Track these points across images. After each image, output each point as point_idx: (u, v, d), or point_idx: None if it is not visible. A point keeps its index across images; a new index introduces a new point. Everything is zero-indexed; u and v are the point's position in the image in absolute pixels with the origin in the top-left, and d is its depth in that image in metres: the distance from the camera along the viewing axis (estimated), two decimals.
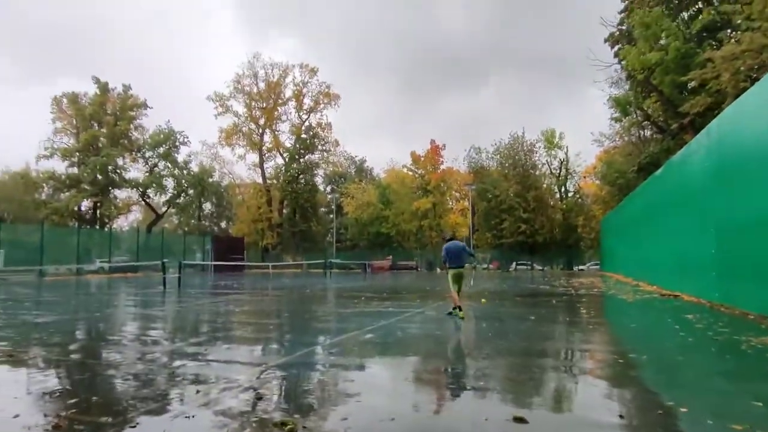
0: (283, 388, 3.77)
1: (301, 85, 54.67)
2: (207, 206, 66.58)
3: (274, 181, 55.62)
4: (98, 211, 47.38)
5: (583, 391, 3.72)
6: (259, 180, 55.76)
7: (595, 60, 26.07)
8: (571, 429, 2.84)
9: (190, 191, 54.27)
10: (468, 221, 48.08)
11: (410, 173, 53.47)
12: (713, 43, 18.68)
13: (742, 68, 13.95)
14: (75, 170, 46.00)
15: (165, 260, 19.49)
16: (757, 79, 10.78)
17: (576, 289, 16.02)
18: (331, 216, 55.54)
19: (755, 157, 7.95)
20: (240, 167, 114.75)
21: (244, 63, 53.40)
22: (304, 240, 54.89)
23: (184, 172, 52.14)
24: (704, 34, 19.89)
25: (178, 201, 54.12)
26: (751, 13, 14.69)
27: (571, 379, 4.07)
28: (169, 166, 50.98)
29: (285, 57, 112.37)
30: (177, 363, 4.64)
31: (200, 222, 62.19)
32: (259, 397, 3.37)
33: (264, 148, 55.52)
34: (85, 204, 47.10)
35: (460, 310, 7.93)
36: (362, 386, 3.74)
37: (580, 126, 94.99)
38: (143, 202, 52.76)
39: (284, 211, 55.94)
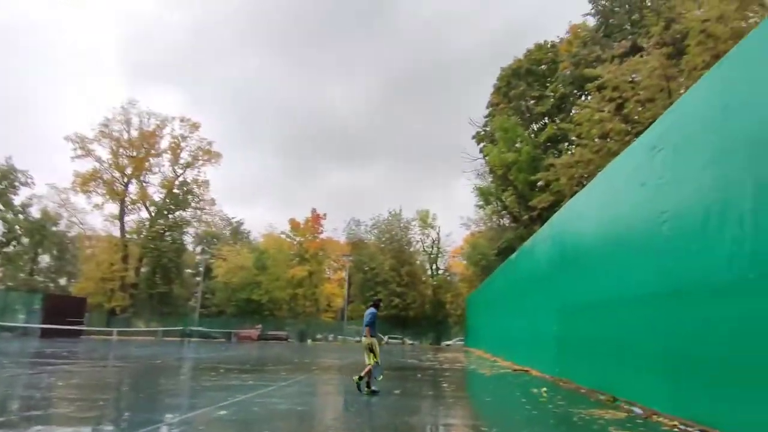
0: None
1: (179, 138, 51.88)
2: (45, 258, 57.00)
3: (135, 237, 50.17)
4: None
5: None
6: (117, 233, 49.85)
7: (463, 153, 29.82)
8: None
9: (24, 239, 46.18)
10: (344, 292, 48.06)
11: (288, 240, 52.56)
12: (555, 152, 22.56)
13: (575, 175, 16.94)
14: None
15: None
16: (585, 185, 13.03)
17: (441, 363, 16.58)
18: (198, 279, 51.23)
19: (583, 250, 9.38)
20: (94, 217, 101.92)
21: (116, 108, 49.10)
22: (162, 304, 49.31)
23: (20, 216, 44.58)
24: (548, 144, 23.99)
25: (5, 250, 45.54)
26: (581, 133, 18.16)
27: None
28: (2, 208, 43.30)
29: (165, 110, 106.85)
30: None
31: (32, 277, 52.65)
32: None
33: (127, 199, 50.38)
34: None
35: (360, 379, 7.48)
36: None
37: (451, 209, 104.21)
38: None
39: (142, 269, 50.23)
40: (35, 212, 46.87)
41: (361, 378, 7.53)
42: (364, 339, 8.04)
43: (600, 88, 16.93)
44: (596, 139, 18.26)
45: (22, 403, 6.34)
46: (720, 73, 5.41)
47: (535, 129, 26.17)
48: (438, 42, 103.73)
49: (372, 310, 8.26)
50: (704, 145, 5.43)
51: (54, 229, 49.87)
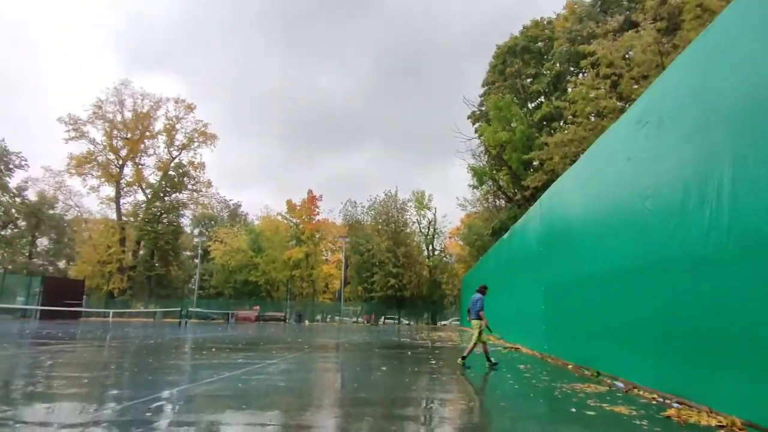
0: None
1: (174, 120, 51.46)
2: (43, 242, 57.04)
3: (131, 219, 50.15)
4: None
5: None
6: (113, 216, 49.84)
7: (458, 133, 29.52)
8: None
9: (21, 222, 46.10)
10: (341, 274, 48.28)
11: (285, 221, 52.54)
12: (549, 130, 22.40)
13: (569, 153, 16.85)
14: None
15: None
16: None
17: (433, 342, 16.73)
18: (196, 261, 51.38)
19: (570, 228, 9.37)
20: (90, 200, 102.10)
21: (110, 89, 48.51)
22: (160, 286, 49.60)
23: (16, 199, 44.40)
24: (544, 123, 23.78)
25: (2, 233, 45.52)
26: (576, 111, 17.98)
27: (402, 424, 4.08)
28: None
29: (160, 91, 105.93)
30: None
31: (30, 260, 52.77)
32: None
33: (123, 181, 50.23)
34: None
35: (463, 359, 8.56)
36: None
37: (447, 191, 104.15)
38: None
39: (140, 252, 50.38)
40: (31, 195, 46.76)
41: (464, 358, 8.57)
42: (473, 322, 8.89)
43: (594, 65, 16.70)
44: (591, 117, 18.10)
45: (23, 380, 6.38)
46: (703, 44, 5.30)
47: (531, 108, 25.92)
48: (431, 22, 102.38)
49: (478, 295, 9.03)
50: (685, 119, 5.37)
51: (51, 212, 49.76)
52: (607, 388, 6.41)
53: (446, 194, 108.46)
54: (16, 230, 46.78)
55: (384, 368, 8.36)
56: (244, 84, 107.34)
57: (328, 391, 6.06)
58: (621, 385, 6.53)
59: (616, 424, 4.35)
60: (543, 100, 26.23)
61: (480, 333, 8.72)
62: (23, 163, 44.33)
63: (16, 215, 44.72)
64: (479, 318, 8.80)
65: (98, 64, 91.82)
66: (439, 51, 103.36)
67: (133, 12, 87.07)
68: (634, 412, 4.73)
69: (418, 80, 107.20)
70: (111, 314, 31.28)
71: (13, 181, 44.16)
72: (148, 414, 4.32)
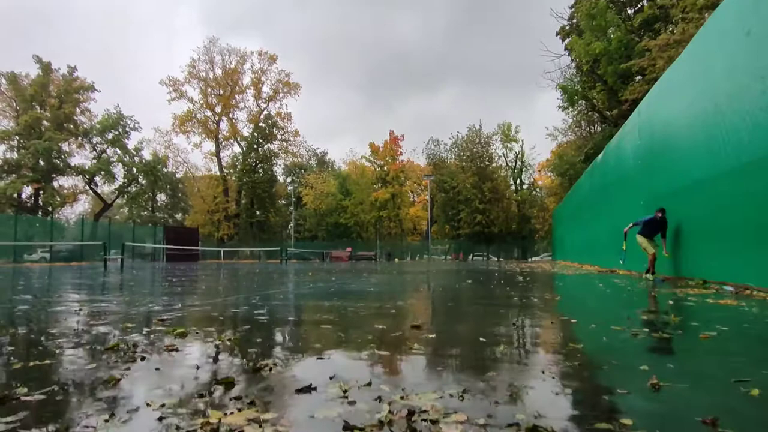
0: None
1: (259, 72, 53.55)
2: (161, 198, 64.18)
3: (231, 171, 54.30)
4: (40, 199, 44.75)
5: (496, 315, 3.86)
6: (216, 169, 54.32)
7: (545, 51, 27.08)
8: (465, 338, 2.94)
9: (142, 180, 52.04)
10: (427, 215, 48.66)
11: (369, 164, 53.48)
12: (651, 35, 19.69)
13: (675, 57, 14.74)
14: (14, 155, 43.25)
15: (107, 244, 18.65)
16: None
17: (522, 269, 16.55)
18: (290, 207, 54.81)
19: (673, 132, 8.46)
20: (195, 156, 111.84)
21: (200, 48, 51.35)
22: (262, 231, 53.94)
23: (135, 159, 49.97)
24: (646, 27, 20.90)
25: (128, 190, 51.86)
26: (686, 6, 15.57)
27: (496, 311, 4.21)
28: (119, 152, 48.75)
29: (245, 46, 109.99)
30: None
31: (153, 214, 59.89)
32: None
33: (220, 136, 54.11)
34: (26, 191, 44.40)
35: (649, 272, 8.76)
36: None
37: (534, 124, 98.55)
38: (90, 191, 50.18)
39: (242, 201, 54.78)
40: (146, 155, 52.22)
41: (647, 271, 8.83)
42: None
43: None
44: (705, 14, 15.57)
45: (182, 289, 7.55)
46: None
47: (631, 14, 22.79)
48: None
49: (645, 218, 8.99)
50: None
51: (165, 170, 55.41)
52: (714, 291, 5.98)
53: (534, 127, 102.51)
54: (138, 187, 52.89)
55: (472, 284, 8.52)
56: (323, 37, 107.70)
57: (406, 294, 6.36)
58: (730, 288, 6.05)
59: (720, 309, 4.09)
60: (645, 3, 22.98)
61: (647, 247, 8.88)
62: (137, 126, 49.32)
63: (137, 173, 50.46)
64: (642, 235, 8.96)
65: (186, 33, 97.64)
66: None
67: None
68: (744, 304, 4.40)
69: (496, 14, 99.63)
70: (222, 255, 34.96)
71: (130, 143, 49.57)
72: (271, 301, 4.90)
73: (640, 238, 8.96)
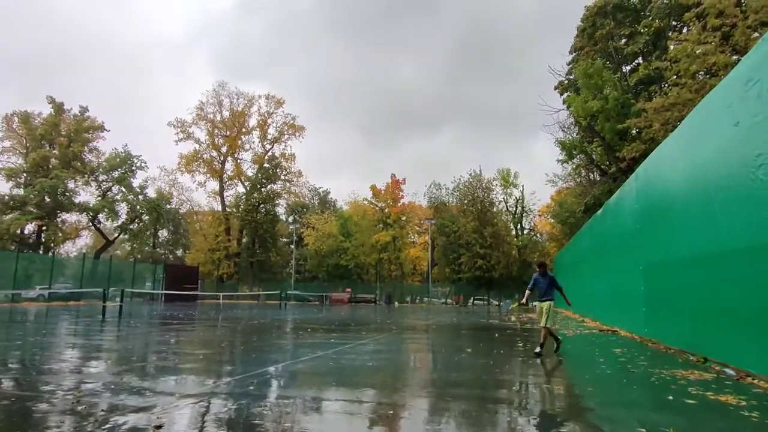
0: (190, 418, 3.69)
1: (266, 115, 54.96)
2: (163, 233, 64.45)
3: (234, 210, 54.75)
4: (42, 236, 44.94)
5: (479, 412, 3.82)
6: (219, 208, 54.78)
7: (544, 106, 27.82)
8: None
9: (145, 217, 52.52)
10: (428, 255, 48.58)
11: (371, 206, 53.88)
12: (647, 94, 20.31)
13: (670, 119, 15.21)
14: (20, 191, 43.76)
15: (106, 289, 18.59)
16: None
17: (522, 323, 16.37)
18: (291, 247, 54.86)
19: (671, 203, 8.59)
20: (199, 194, 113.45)
21: (209, 91, 52.97)
22: (262, 270, 53.74)
23: (140, 197, 50.59)
24: (641, 87, 21.61)
25: (130, 227, 52.18)
26: (679, 70, 16.14)
27: (481, 408, 4.16)
28: (124, 190, 49.40)
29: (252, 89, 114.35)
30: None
31: (154, 250, 59.97)
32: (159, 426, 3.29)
33: (225, 176, 54.90)
34: (29, 227, 44.66)
35: (541, 347, 7.82)
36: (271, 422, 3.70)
37: (534, 168, 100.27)
38: (93, 228, 50.47)
39: (243, 240, 54.89)
40: (151, 192, 52.95)
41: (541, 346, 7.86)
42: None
43: (700, 17, 14.74)
44: (699, 75, 16.13)
45: (152, 356, 7.48)
46: None
47: (625, 72, 23.63)
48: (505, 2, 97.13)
49: (534, 275, 8.42)
50: None
51: (168, 207, 55.91)
52: (715, 375, 5.90)
53: (533, 172, 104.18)
54: (141, 224, 53.33)
55: (469, 349, 8.45)
56: (326, 82, 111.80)
57: (410, 371, 6.29)
58: (731, 372, 5.97)
59: (720, 414, 4.01)
60: (640, 61, 23.83)
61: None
62: (143, 165, 50.28)
63: (140, 211, 50.97)
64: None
65: (196, 78, 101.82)
66: (514, 30, 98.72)
67: (226, 31, 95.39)
68: (744, 402, 4.32)
69: (494, 62, 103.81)
70: (221, 297, 34.76)
71: (136, 182, 50.43)
72: (250, 387, 4.87)
73: (539, 305, 8.31)
